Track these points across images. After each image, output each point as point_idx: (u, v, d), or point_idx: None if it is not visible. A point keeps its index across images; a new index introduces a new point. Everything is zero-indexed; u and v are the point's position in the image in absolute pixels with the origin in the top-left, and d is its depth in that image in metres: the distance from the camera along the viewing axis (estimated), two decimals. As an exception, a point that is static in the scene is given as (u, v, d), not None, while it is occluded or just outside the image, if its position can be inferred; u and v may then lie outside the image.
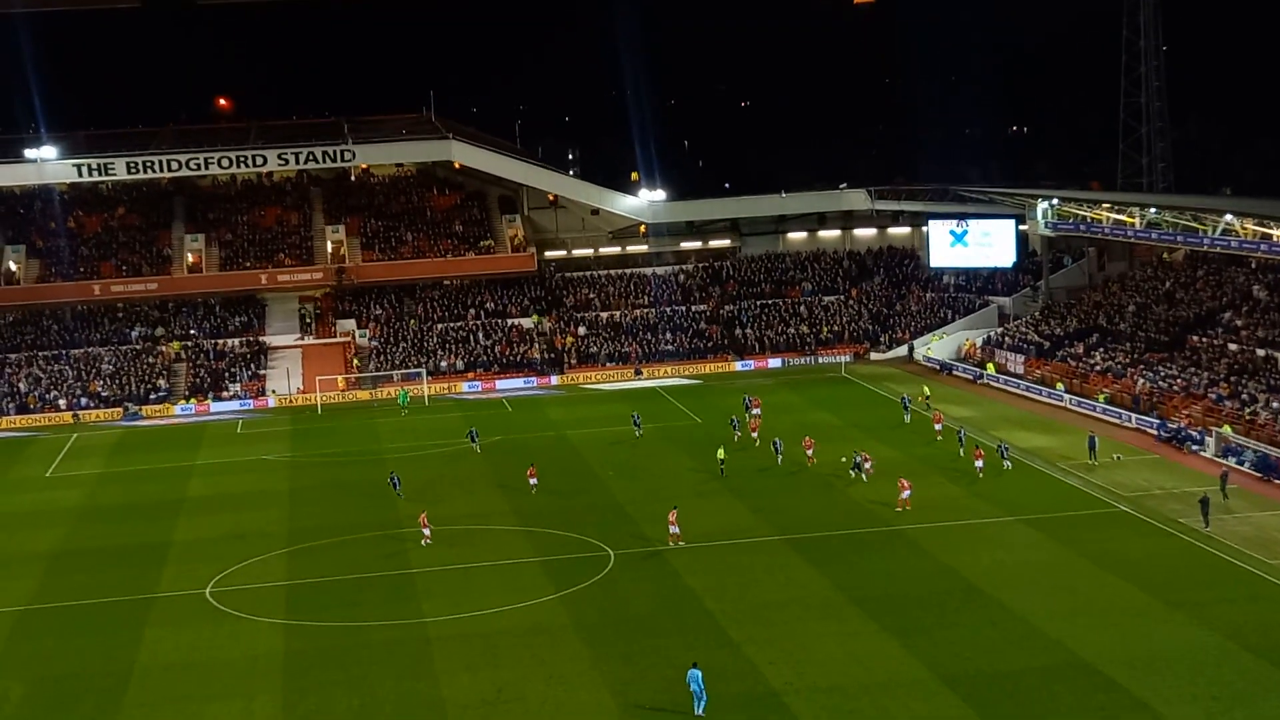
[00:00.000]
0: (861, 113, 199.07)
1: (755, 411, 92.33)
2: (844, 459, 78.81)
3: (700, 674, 45.36)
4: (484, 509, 74.89)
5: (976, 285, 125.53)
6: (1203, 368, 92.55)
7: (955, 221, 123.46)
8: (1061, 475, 76.19)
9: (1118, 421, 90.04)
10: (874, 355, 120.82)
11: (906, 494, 69.04)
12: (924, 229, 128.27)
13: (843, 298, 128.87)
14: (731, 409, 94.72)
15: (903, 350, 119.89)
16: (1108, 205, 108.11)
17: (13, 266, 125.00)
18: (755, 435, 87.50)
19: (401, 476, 79.03)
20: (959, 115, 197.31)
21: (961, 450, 79.54)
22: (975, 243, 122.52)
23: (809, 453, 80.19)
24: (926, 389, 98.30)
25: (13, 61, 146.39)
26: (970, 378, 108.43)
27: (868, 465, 76.33)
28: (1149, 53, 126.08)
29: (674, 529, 65.01)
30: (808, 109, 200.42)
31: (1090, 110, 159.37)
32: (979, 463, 74.96)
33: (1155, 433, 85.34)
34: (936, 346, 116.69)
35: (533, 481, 77.49)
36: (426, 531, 67.31)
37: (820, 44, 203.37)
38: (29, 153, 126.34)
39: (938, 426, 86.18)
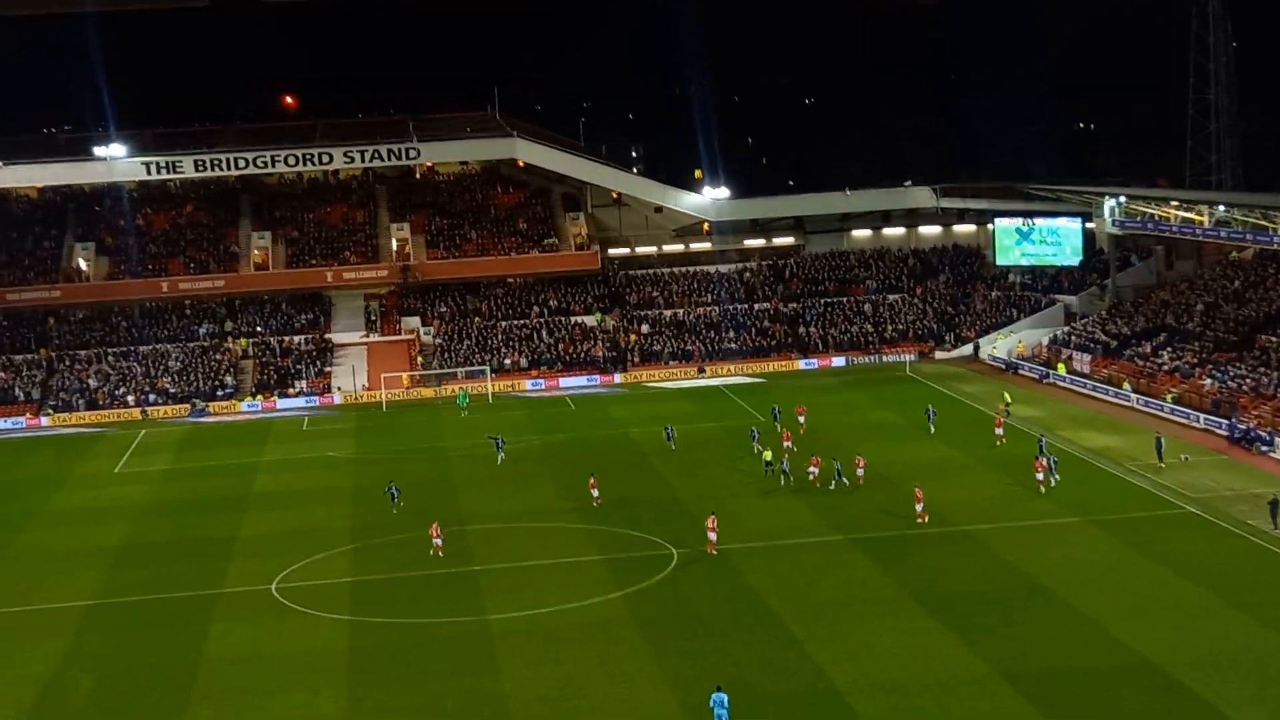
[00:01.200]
0: (926, 109, 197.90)
1: (801, 420, 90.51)
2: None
3: (725, 697, 44.06)
4: (546, 506, 75.12)
5: (1043, 284, 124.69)
6: (1272, 367, 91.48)
7: (1021, 219, 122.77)
8: (1127, 476, 75.57)
9: (1185, 421, 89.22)
10: (939, 354, 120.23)
11: (921, 505, 67.51)
12: (990, 227, 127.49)
13: (907, 296, 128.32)
14: (792, 407, 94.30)
15: (968, 349, 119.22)
16: (1175, 203, 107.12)
17: (83, 264, 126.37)
18: (789, 445, 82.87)
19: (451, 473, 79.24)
20: (1024, 111, 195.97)
21: (1046, 461, 74.92)
22: (1041, 241, 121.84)
23: (859, 471, 76.59)
24: (1008, 395, 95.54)
25: (83, 61, 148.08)
26: (1036, 377, 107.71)
27: (860, 471, 75.78)
28: (1218, 49, 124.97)
29: (712, 535, 64.16)
30: (872, 105, 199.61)
31: (1158, 107, 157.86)
32: (1039, 474, 73.22)
33: (1224, 433, 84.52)
34: (1001, 345, 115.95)
35: (594, 494, 74.70)
36: (438, 541, 66.32)
37: (885, 39, 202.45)
38: (98, 151, 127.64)
39: (998, 431, 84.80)
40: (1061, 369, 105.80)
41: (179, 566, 67.35)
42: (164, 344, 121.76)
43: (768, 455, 79.36)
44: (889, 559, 62.07)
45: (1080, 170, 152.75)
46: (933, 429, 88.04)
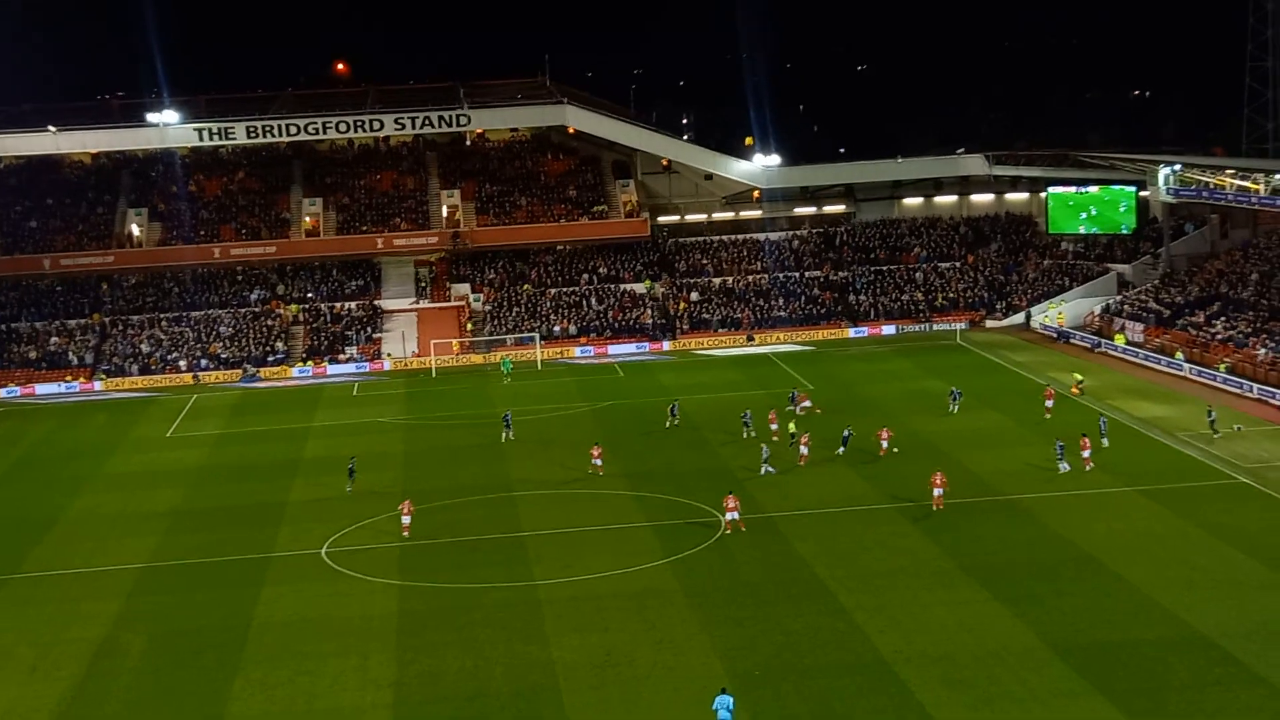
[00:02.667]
0: (981, 76, 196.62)
1: (805, 404, 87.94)
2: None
3: (731, 700, 42.66)
4: (593, 473, 75.07)
5: (1096, 252, 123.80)
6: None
7: (1075, 187, 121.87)
8: (1180, 446, 75.05)
9: (1239, 392, 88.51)
10: (989, 323, 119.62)
11: (939, 492, 64.98)
12: (1042, 195, 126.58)
13: (958, 264, 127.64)
14: (841, 375, 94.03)
15: (1019, 318, 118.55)
16: (1231, 171, 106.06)
17: (135, 230, 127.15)
18: (775, 428, 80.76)
19: (494, 437, 79.49)
20: (1080, 79, 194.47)
21: (1105, 440, 74.32)
22: (1095, 209, 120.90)
23: (884, 443, 76.23)
24: (1078, 375, 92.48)
25: (136, 27, 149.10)
26: (1088, 346, 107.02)
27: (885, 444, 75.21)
28: (1276, 15, 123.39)
29: (732, 515, 62.94)
30: (926, 72, 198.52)
31: (1214, 74, 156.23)
32: (1086, 453, 72.39)
33: (1278, 403, 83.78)
34: (1054, 314, 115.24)
35: (598, 463, 75.10)
36: (406, 519, 65.60)
37: (939, 6, 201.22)
38: (151, 117, 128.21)
39: (1049, 403, 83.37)
40: (1120, 340, 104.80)
41: (231, 530, 67.88)
42: (215, 310, 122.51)
43: (792, 428, 78.88)
44: (938, 529, 61.87)
45: (1135, 138, 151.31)
46: (954, 408, 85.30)
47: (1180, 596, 51.88)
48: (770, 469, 72.89)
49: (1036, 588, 53.63)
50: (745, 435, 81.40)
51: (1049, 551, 58.21)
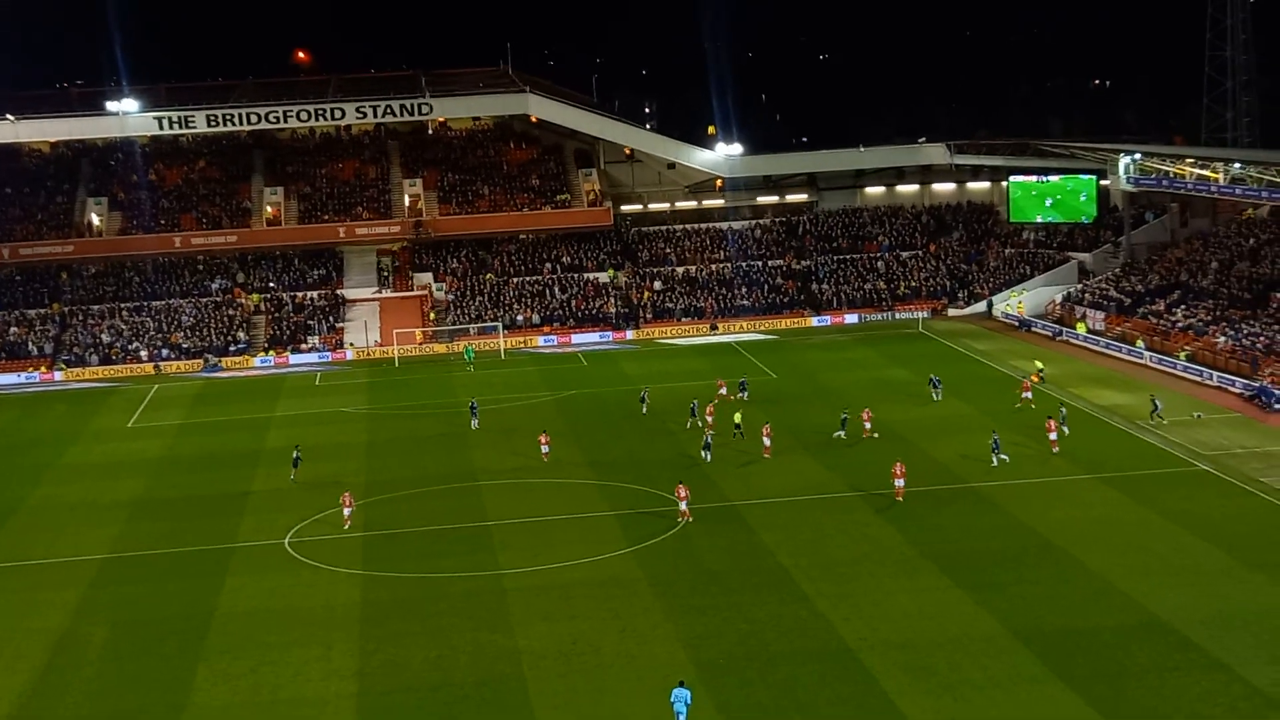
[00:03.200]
0: (943, 66, 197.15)
1: (722, 391, 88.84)
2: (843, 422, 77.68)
3: (688, 694, 42.41)
4: (558, 461, 75.13)
5: (1057, 241, 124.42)
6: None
7: (1035, 176, 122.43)
8: (1140, 433, 75.48)
9: (1199, 379, 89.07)
10: (952, 311, 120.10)
11: (900, 483, 64.80)
12: (1004, 184, 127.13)
13: (920, 253, 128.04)
14: (804, 364, 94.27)
15: (981, 306, 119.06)
16: (1191, 160, 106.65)
17: (95, 219, 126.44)
18: (711, 419, 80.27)
19: (454, 428, 79.50)
20: (1042, 68, 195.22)
21: (1065, 429, 74.42)
22: (1055, 198, 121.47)
23: (866, 425, 77.16)
24: (1039, 363, 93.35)
25: (95, 14, 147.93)
26: (1049, 334, 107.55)
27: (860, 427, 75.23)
28: (1235, 4, 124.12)
29: (683, 505, 63.17)
30: (888, 62, 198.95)
31: (1175, 63, 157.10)
32: (1052, 435, 73.07)
33: (1239, 391, 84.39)
34: (1014, 302, 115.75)
35: (545, 450, 75.52)
36: (347, 511, 65.60)
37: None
38: (110, 105, 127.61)
39: (1026, 395, 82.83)
40: (1081, 328, 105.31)
41: (193, 521, 67.64)
42: (177, 299, 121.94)
43: (737, 417, 78.15)
44: (901, 517, 62.11)
45: (1096, 127, 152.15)
46: (937, 396, 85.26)
47: (1140, 583, 52.21)
48: (707, 455, 73.45)
49: (998, 575, 53.91)
50: (689, 425, 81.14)
51: (1010, 539, 58.51)
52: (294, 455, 75.90)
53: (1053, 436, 72.06)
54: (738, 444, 75.54)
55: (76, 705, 46.69)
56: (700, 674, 45.63)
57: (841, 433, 76.79)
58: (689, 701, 42.20)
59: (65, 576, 60.02)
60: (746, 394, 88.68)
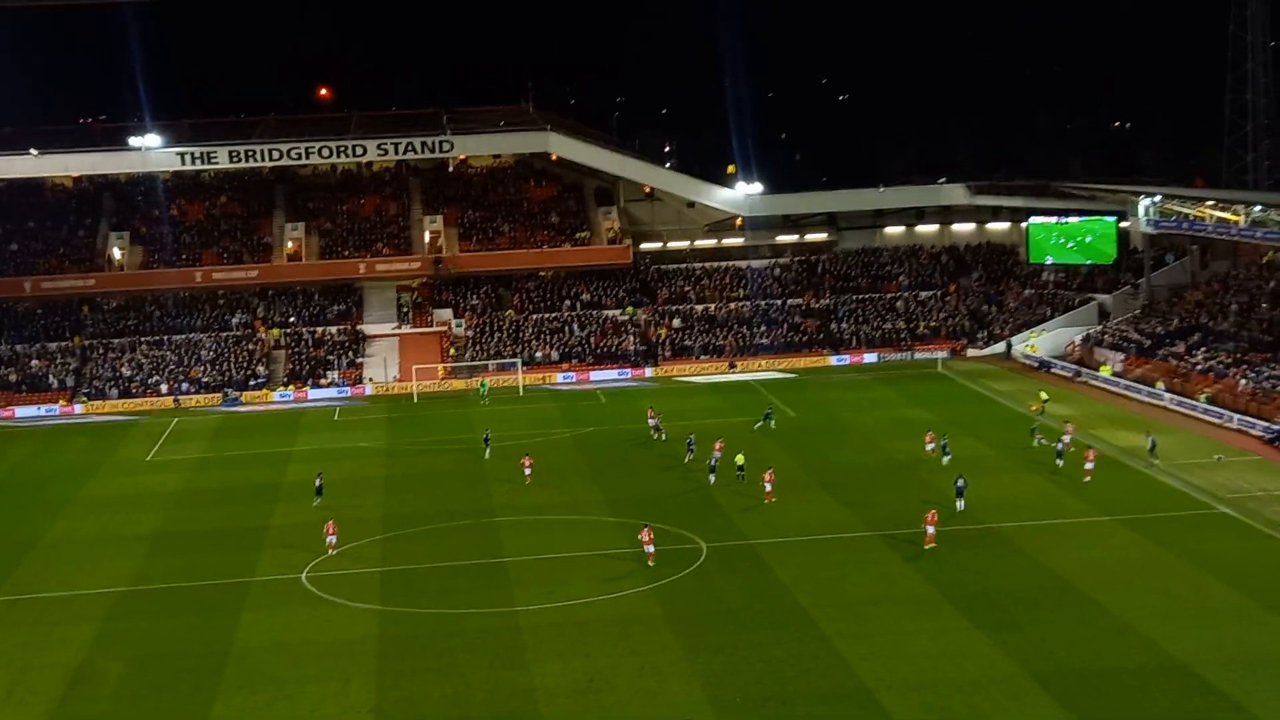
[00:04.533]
0: (963, 106, 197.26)
1: (653, 421, 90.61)
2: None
3: None
4: (576, 499, 75.18)
5: (1076, 282, 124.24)
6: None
7: (1055, 217, 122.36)
8: (1161, 475, 75.17)
9: (1219, 422, 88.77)
10: (971, 351, 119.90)
11: (931, 530, 63.48)
12: (1024, 225, 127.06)
13: (940, 293, 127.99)
14: (823, 403, 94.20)
15: (1000, 347, 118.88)
16: (1211, 203, 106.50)
17: (117, 253, 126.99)
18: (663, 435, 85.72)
19: (463, 467, 79.56)
20: (1062, 108, 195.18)
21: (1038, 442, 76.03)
22: (1075, 239, 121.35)
23: (929, 447, 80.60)
24: (1044, 394, 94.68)
25: (119, 50, 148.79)
26: (1069, 375, 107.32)
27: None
28: (1256, 48, 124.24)
29: (649, 548, 62.57)
30: (907, 102, 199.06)
31: (1195, 105, 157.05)
32: (1089, 464, 73.70)
33: (1258, 434, 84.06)
34: (1031, 343, 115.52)
35: (527, 472, 78.61)
36: (331, 539, 66.41)
37: (922, 36, 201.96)
38: (134, 141, 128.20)
39: (1088, 465, 75.06)
40: (1106, 370, 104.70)
41: (211, 555, 67.66)
42: (197, 333, 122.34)
43: (740, 459, 77.06)
44: (920, 557, 61.90)
45: (1116, 169, 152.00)
46: (946, 461, 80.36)
47: (1159, 625, 51.93)
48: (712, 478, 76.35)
49: (1017, 616, 53.67)
50: (687, 459, 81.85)
51: (1029, 580, 58.25)
52: (317, 483, 76.50)
53: (1089, 466, 73.04)
54: (743, 486, 75.17)
55: (92, 739, 46.70)
56: (717, 713, 45.45)
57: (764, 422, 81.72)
58: None
59: (82, 610, 60.02)
60: (773, 422, 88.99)
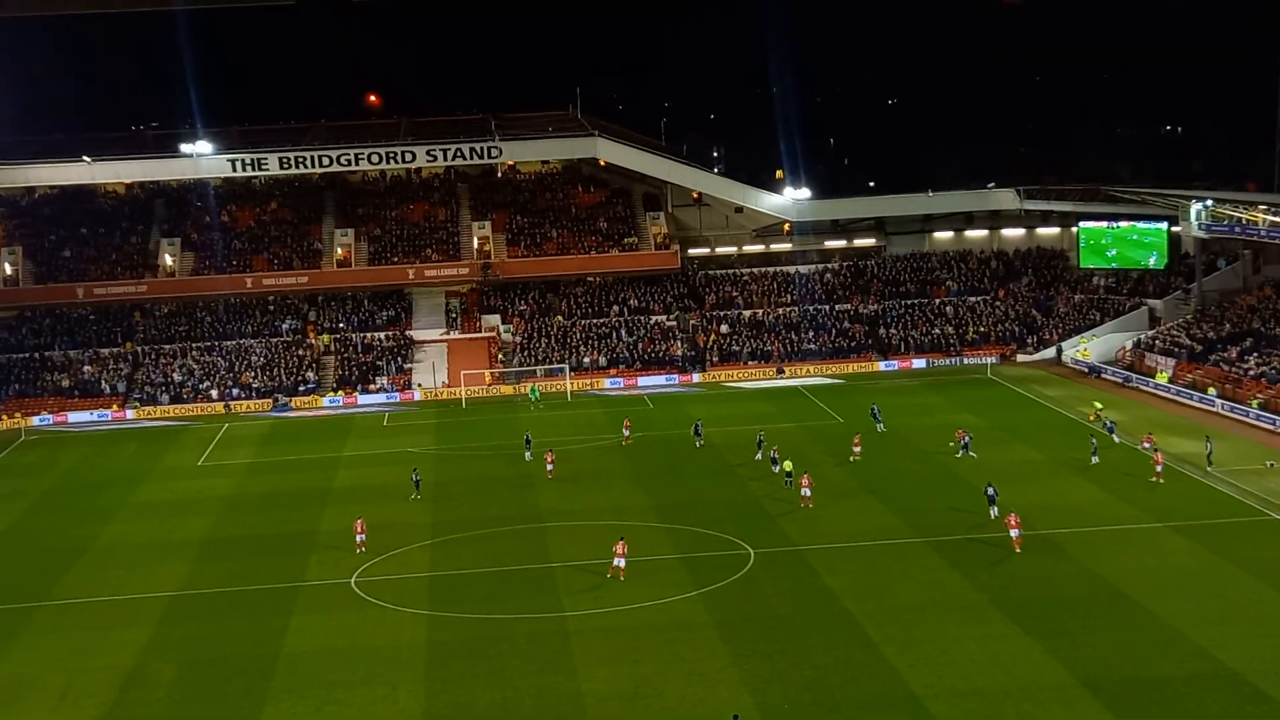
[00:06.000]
0: (1012, 110, 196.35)
1: (625, 433, 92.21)
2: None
3: None
4: (624, 504, 75.24)
5: (1127, 287, 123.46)
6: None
7: (1106, 222, 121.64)
8: (1213, 482, 74.63)
9: (1271, 428, 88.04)
10: (1021, 357, 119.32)
11: (1016, 533, 63.63)
12: (1074, 229, 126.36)
13: (989, 298, 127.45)
14: (870, 409, 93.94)
15: (1050, 352, 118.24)
16: (1264, 207, 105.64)
17: (169, 259, 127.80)
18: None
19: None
20: (1111, 113, 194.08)
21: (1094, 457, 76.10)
22: (1126, 244, 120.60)
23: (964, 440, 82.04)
24: (1098, 403, 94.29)
25: (170, 58, 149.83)
26: (1119, 381, 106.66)
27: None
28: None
29: (619, 561, 61.94)
30: (956, 106, 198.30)
31: (1246, 109, 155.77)
32: (1159, 467, 74.02)
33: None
34: (1081, 348, 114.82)
35: (549, 468, 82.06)
36: (360, 537, 67.79)
37: (969, 40, 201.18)
38: (185, 148, 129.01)
39: (1158, 468, 75.88)
40: (1162, 377, 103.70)
41: (260, 559, 68.06)
42: (247, 339, 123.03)
43: (788, 466, 77.79)
44: (969, 563, 61.66)
45: (1167, 173, 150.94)
46: (960, 455, 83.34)
47: (1212, 632, 51.59)
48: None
49: (1067, 623, 53.40)
50: (757, 456, 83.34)
51: (1080, 586, 57.95)
52: (414, 476, 78.76)
53: (1159, 469, 73.91)
54: (790, 492, 75.01)
55: (144, 742, 47.06)
56: (765, 719, 45.38)
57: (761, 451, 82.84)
58: None
59: (134, 614, 60.52)
60: (882, 425, 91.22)
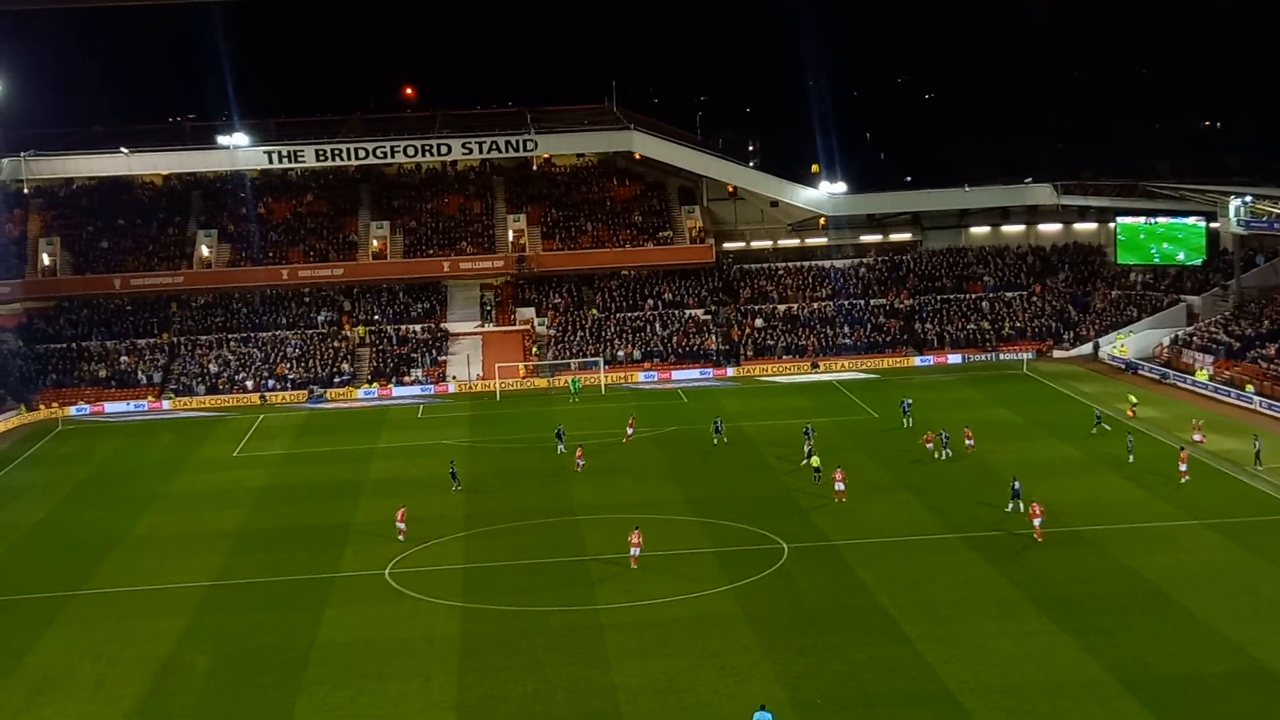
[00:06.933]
0: (1049, 105, 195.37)
1: (629, 432, 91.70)
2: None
3: (771, 716, 43.10)
4: (657, 498, 75.17)
5: (1164, 283, 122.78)
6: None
7: (1144, 218, 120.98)
8: (1249, 479, 74.15)
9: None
10: (1057, 353, 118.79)
11: (1038, 522, 64.11)
12: (1111, 225, 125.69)
13: (1025, 294, 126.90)
14: (901, 401, 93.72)
15: (1087, 348, 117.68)
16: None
17: (205, 251, 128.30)
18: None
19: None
20: (1149, 108, 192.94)
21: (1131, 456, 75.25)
22: (1164, 240, 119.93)
23: (969, 442, 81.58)
24: (1133, 397, 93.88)
25: (208, 51, 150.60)
26: (1156, 377, 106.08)
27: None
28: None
29: (635, 550, 62.68)
30: (993, 101, 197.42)
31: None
32: (1183, 465, 73.17)
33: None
34: (1119, 345, 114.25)
35: (580, 463, 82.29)
36: (401, 526, 68.42)
37: (1007, 34, 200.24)
38: (221, 139, 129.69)
39: (1182, 466, 74.36)
40: (1203, 375, 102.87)
41: (295, 550, 68.23)
42: (283, 331, 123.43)
43: (815, 462, 77.66)
44: (1004, 559, 61.37)
45: (1206, 169, 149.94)
46: (907, 422, 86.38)
47: (1247, 630, 51.25)
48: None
49: (1103, 620, 53.11)
50: (806, 451, 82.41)
51: (1116, 583, 57.63)
52: (451, 469, 79.47)
53: (1183, 467, 72.83)
54: (821, 487, 74.83)
55: (178, 732, 47.22)
56: (797, 714, 45.31)
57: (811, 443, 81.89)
58: None
59: (169, 605, 60.73)
60: (910, 419, 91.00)
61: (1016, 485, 69.32)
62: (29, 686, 51.66)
